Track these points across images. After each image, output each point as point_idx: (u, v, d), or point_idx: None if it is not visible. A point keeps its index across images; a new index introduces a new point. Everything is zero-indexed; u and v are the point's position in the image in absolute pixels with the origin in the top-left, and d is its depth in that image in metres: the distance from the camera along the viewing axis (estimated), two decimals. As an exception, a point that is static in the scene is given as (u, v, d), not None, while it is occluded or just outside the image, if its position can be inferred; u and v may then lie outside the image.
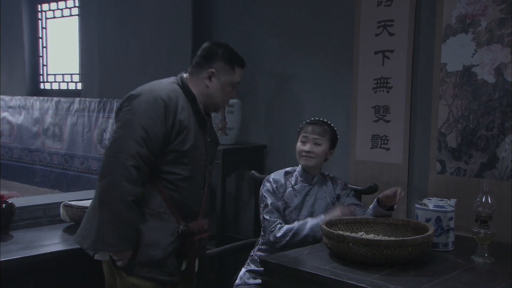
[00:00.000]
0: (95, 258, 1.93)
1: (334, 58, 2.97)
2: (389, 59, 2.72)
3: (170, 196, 1.92)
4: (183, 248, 1.95)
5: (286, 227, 2.26)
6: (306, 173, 2.37)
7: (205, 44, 2.06)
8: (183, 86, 2.00)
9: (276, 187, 2.34)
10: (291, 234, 2.24)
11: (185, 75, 2.05)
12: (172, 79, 2.04)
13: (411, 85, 2.66)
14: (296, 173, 2.39)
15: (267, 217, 2.30)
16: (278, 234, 2.25)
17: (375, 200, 2.21)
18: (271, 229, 2.28)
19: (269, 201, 2.32)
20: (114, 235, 1.79)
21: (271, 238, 2.27)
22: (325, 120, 2.42)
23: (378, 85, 2.77)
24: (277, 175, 2.40)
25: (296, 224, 2.26)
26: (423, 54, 2.63)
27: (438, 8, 2.53)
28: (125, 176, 1.78)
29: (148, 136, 1.83)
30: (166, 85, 1.97)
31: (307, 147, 2.33)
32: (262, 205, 2.35)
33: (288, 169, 2.44)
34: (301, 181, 2.37)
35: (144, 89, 1.92)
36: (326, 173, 2.46)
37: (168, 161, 1.91)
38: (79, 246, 1.93)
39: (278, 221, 2.28)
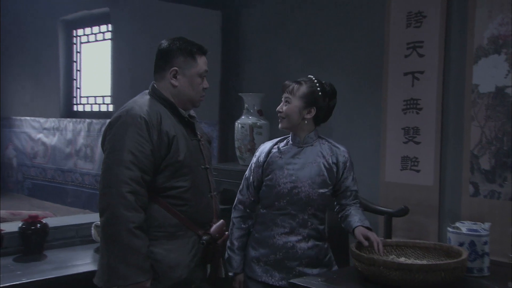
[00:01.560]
0: None
1: (362, 79, 2.97)
2: (418, 80, 2.70)
3: (180, 212, 1.88)
4: (207, 255, 1.93)
5: (234, 223, 2.24)
6: (294, 136, 2.22)
7: (160, 44, 1.98)
8: (158, 96, 1.94)
9: (258, 158, 2.25)
10: (229, 229, 2.22)
11: (155, 84, 1.98)
12: (146, 93, 1.98)
13: (441, 107, 2.63)
14: (289, 137, 2.27)
15: (239, 192, 2.29)
16: (232, 216, 2.26)
17: (353, 228, 2.10)
18: (234, 206, 2.27)
19: (246, 174, 2.28)
20: (127, 267, 1.73)
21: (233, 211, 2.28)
22: (310, 76, 2.20)
23: (408, 106, 2.74)
24: (268, 142, 2.31)
25: (236, 233, 2.23)
26: (454, 75, 2.60)
27: (469, 29, 2.51)
28: (123, 204, 1.73)
29: (136, 158, 1.78)
30: (142, 101, 1.91)
31: (279, 107, 2.20)
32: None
33: (286, 136, 2.30)
34: (291, 143, 2.22)
35: (121, 113, 1.87)
36: (326, 138, 2.26)
37: (167, 176, 1.86)
38: None
39: (239, 202, 2.26)
